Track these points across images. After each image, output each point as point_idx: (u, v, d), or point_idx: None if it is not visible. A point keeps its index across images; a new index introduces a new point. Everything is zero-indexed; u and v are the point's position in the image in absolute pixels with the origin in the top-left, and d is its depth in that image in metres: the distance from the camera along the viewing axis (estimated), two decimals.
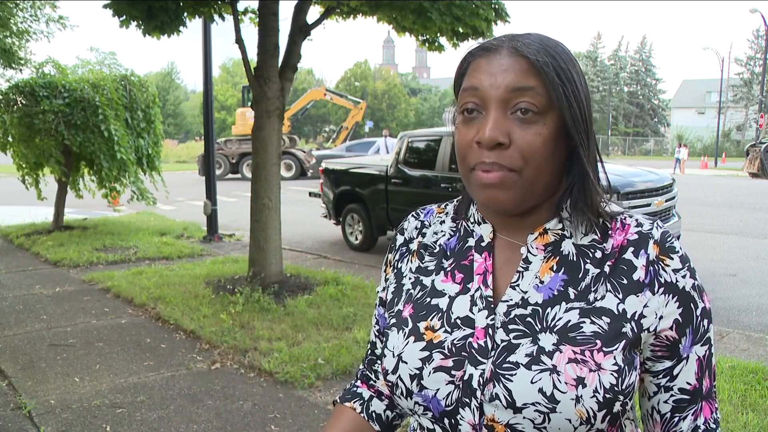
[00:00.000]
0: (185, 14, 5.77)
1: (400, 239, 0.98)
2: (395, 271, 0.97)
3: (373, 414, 1.00)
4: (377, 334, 1.03)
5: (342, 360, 3.92)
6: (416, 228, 0.97)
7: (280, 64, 5.55)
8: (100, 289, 5.96)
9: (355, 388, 1.05)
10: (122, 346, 4.37)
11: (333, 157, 15.90)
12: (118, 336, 4.58)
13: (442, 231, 0.94)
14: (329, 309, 5.01)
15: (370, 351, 1.06)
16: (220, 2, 5.94)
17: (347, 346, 4.14)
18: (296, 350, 4.09)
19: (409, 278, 0.93)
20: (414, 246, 0.95)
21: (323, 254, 7.92)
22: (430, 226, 0.96)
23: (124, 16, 5.54)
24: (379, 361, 1.03)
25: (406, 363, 0.83)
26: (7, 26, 11.62)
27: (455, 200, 0.96)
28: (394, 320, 0.90)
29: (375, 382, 1.04)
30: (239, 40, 5.54)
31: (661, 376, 0.82)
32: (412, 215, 0.99)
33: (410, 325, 0.86)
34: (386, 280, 0.99)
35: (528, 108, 0.77)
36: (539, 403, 0.74)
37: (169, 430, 3.14)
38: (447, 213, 0.96)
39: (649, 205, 6.08)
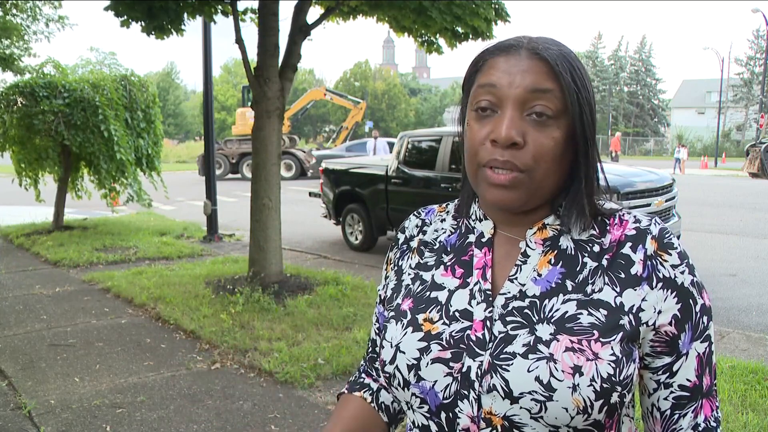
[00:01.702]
0: (185, 14, 5.77)
1: (401, 237, 1.00)
2: (395, 268, 0.98)
3: (383, 405, 1.01)
4: (377, 331, 1.04)
5: (342, 360, 3.91)
6: (417, 226, 0.98)
7: (280, 64, 5.55)
8: (100, 289, 5.96)
9: (362, 379, 1.06)
10: (122, 346, 4.37)
11: (333, 157, 15.90)
12: (118, 336, 4.58)
13: (442, 228, 0.95)
14: (329, 309, 5.01)
15: (370, 348, 1.07)
16: (220, 2, 5.94)
17: (347, 346, 4.14)
18: (296, 350, 4.09)
19: (409, 274, 0.94)
20: (414, 244, 0.97)
21: (323, 254, 7.92)
22: (431, 224, 0.97)
23: (125, 17, 5.54)
24: (374, 349, 1.04)
25: (404, 353, 0.84)
26: (8, 33, 11.62)
27: (456, 200, 0.98)
28: (392, 313, 0.91)
29: (378, 377, 1.05)
30: (239, 40, 5.54)
31: (660, 373, 0.82)
32: (414, 214, 1.01)
33: (409, 316, 0.88)
34: (386, 278, 1.01)
35: (543, 111, 0.79)
36: (536, 392, 0.75)
37: (169, 430, 3.14)
38: (448, 212, 0.98)
39: (649, 205, 6.08)
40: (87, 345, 4.38)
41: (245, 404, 3.44)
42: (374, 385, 1.03)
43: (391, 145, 18.34)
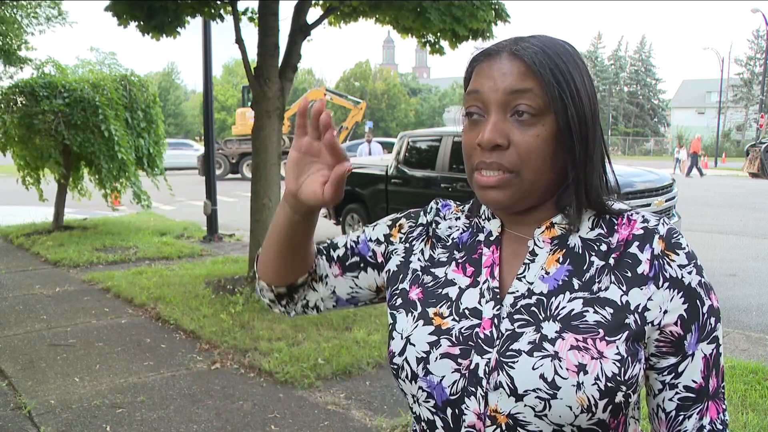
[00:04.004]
0: (185, 15, 5.77)
1: (422, 219, 0.99)
2: (406, 245, 0.97)
3: (320, 259, 1.02)
4: (349, 240, 1.02)
5: (342, 360, 3.91)
6: (435, 215, 0.99)
7: (280, 64, 5.55)
8: (100, 289, 5.96)
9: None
10: (122, 346, 4.37)
11: None
12: (118, 336, 4.58)
13: (456, 226, 0.96)
14: None
15: (336, 241, 1.05)
16: (219, 2, 5.95)
17: (347, 346, 4.14)
18: (296, 350, 4.09)
19: (419, 260, 0.95)
20: (431, 232, 0.97)
21: None
22: (445, 219, 0.98)
23: (123, 16, 5.54)
24: (332, 250, 1.02)
25: (414, 345, 0.85)
26: (7, 26, 11.60)
27: (472, 200, 0.98)
28: (400, 300, 0.92)
29: (323, 256, 1.03)
30: (239, 40, 5.54)
31: (666, 373, 0.82)
32: (434, 202, 1.01)
33: (419, 309, 0.88)
34: (391, 242, 0.99)
35: (526, 110, 0.79)
36: (540, 389, 0.75)
37: (169, 430, 3.14)
38: (462, 211, 0.98)
39: (649, 205, 6.08)
40: (87, 345, 4.38)
41: (245, 404, 3.44)
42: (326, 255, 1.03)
43: (385, 145, 18.25)
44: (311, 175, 0.83)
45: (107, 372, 3.89)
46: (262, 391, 3.62)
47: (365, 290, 1.02)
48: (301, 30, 5.58)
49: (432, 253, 0.95)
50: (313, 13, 6.24)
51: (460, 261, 0.91)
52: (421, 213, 1.00)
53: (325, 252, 1.03)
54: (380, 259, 0.99)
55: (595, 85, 0.85)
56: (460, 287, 0.87)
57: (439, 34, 6.02)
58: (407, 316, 0.89)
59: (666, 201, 6.35)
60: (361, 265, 1.00)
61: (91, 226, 9.61)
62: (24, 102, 8.21)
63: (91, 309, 5.29)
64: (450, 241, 0.94)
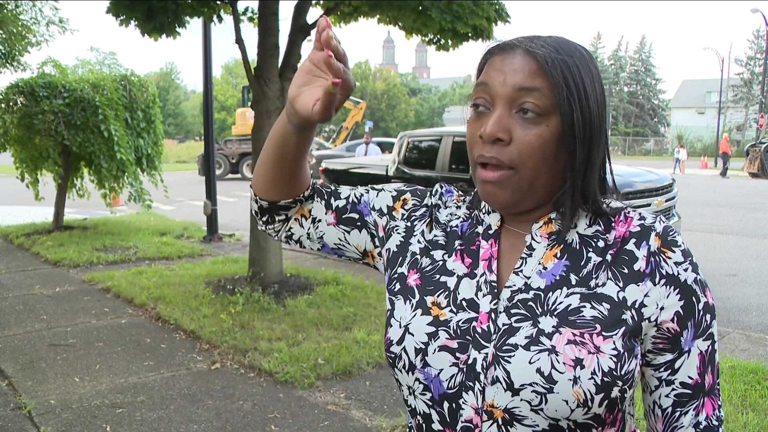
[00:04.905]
0: (185, 15, 5.77)
1: (427, 200, 0.99)
2: (407, 222, 0.98)
3: (316, 187, 1.02)
4: (353, 195, 1.02)
5: (342, 360, 3.91)
6: (438, 199, 0.99)
7: (280, 64, 5.55)
8: (100, 289, 5.96)
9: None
10: (122, 346, 4.37)
11: (333, 157, 15.89)
12: (118, 336, 4.58)
13: (456, 215, 0.96)
14: (329, 309, 5.01)
15: (335, 188, 1.05)
16: (219, 2, 5.95)
17: (347, 346, 4.14)
18: (296, 350, 4.09)
19: (419, 242, 0.95)
20: (433, 214, 0.97)
21: (323, 254, 7.90)
22: (446, 206, 0.98)
23: (124, 17, 5.55)
24: (333, 198, 1.02)
25: (413, 335, 0.85)
26: (7, 29, 11.59)
27: (474, 192, 0.99)
28: (399, 286, 0.92)
29: (318, 191, 1.03)
30: (239, 40, 5.54)
31: (662, 369, 0.83)
32: (438, 185, 1.01)
33: (417, 296, 0.88)
34: (391, 215, 0.99)
35: (531, 109, 0.79)
36: (537, 383, 0.76)
37: (169, 430, 3.14)
38: (464, 201, 0.99)
39: (649, 205, 6.08)
40: (87, 345, 4.38)
41: (245, 404, 3.44)
42: (320, 192, 1.03)
43: (384, 145, 18.21)
44: (313, 87, 0.83)
45: (107, 372, 3.89)
46: (262, 391, 3.62)
47: (352, 247, 1.02)
48: (301, 30, 5.58)
49: (433, 236, 0.95)
50: (313, 13, 6.24)
51: (458, 250, 0.91)
52: (428, 193, 1.00)
53: (326, 197, 1.03)
54: (381, 233, 1.00)
55: None
56: (457, 276, 0.88)
57: (439, 33, 6.01)
58: (405, 303, 0.89)
59: (666, 201, 6.35)
60: (358, 223, 1.01)
61: (91, 226, 9.61)
62: (24, 102, 8.22)
63: (91, 309, 5.29)
64: (449, 228, 0.94)
